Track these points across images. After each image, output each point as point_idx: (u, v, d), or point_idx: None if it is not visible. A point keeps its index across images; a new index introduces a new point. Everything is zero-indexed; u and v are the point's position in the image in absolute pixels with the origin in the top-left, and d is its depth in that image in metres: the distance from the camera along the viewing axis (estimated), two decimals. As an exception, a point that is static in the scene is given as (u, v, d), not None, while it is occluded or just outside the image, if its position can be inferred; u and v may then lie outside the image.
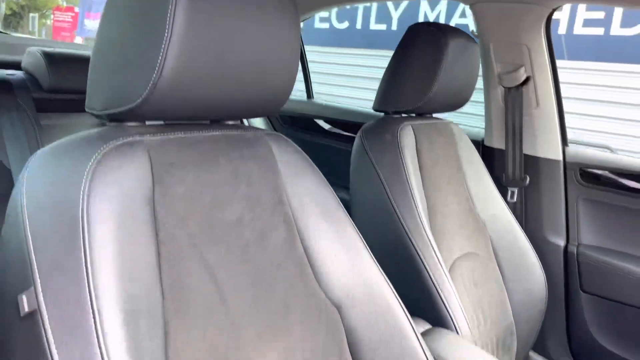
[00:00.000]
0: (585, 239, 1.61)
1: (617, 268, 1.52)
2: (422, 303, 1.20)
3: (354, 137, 1.39)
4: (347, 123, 2.18)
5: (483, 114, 1.74)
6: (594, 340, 1.57)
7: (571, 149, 1.63)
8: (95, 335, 0.55)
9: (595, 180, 1.60)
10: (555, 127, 1.61)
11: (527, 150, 1.65)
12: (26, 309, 0.56)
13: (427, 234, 1.24)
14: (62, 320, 0.55)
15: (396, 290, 0.87)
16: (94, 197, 0.60)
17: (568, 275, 1.61)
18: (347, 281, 0.83)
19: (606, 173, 1.59)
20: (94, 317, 0.55)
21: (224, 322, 0.69)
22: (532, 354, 1.64)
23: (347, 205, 1.11)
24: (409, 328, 0.84)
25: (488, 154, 1.72)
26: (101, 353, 0.55)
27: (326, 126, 2.38)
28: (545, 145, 1.63)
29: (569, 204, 1.62)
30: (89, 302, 0.56)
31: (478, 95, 1.64)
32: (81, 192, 0.60)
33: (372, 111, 1.50)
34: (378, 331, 0.83)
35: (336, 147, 2.18)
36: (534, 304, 1.50)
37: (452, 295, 1.20)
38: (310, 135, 2.30)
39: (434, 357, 0.89)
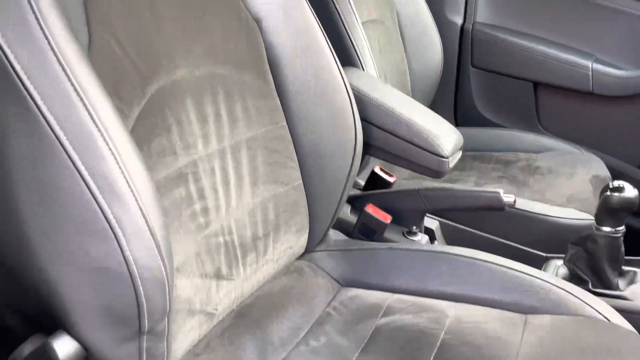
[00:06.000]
0: (481, 17, 1.69)
1: (508, 43, 1.64)
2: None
3: None
4: None
5: None
6: (476, 108, 1.74)
7: None
8: None
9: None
10: None
11: None
12: None
13: None
14: None
15: None
16: None
17: (462, 51, 1.71)
18: None
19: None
20: None
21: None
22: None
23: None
24: (329, 54, 0.86)
25: None
26: None
27: None
28: None
29: None
30: None
31: None
32: None
33: None
34: (298, 48, 0.84)
35: None
36: (430, 75, 1.60)
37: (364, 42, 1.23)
38: None
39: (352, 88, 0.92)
